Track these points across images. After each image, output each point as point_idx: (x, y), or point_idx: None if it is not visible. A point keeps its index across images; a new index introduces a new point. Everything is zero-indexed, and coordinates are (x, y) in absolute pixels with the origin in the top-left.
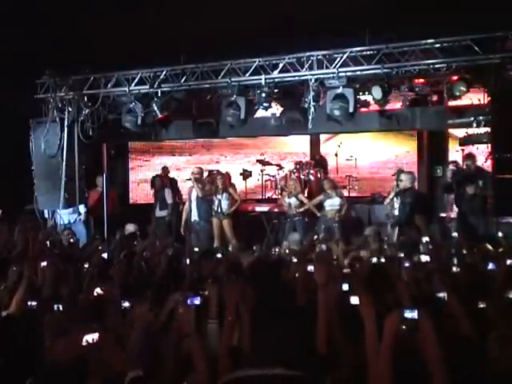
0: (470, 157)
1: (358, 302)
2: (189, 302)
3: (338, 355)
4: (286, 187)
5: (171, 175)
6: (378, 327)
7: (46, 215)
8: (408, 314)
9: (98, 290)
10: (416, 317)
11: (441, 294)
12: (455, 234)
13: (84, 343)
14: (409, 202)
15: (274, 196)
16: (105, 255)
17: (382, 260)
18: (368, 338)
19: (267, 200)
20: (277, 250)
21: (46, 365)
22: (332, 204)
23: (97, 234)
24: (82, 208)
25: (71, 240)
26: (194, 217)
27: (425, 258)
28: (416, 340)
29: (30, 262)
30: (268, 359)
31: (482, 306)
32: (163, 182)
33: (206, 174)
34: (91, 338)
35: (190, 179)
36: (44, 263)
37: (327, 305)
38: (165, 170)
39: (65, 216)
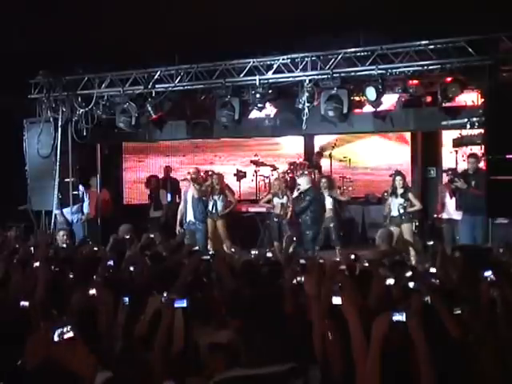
0: (472, 156)
1: (340, 302)
2: (175, 304)
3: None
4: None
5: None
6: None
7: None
8: (396, 317)
9: (92, 292)
10: (404, 319)
11: (425, 298)
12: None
13: (56, 339)
14: (308, 199)
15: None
16: (111, 263)
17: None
18: (353, 338)
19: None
20: (255, 252)
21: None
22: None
23: (89, 236)
24: (86, 207)
25: (67, 242)
26: (190, 217)
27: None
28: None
29: (19, 263)
30: (259, 359)
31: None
32: (158, 182)
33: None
34: (64, 333)
35: (186, 179)
36: (36, 264)
37: (321, 316)
38: (167, 169)
39: (67, 215)
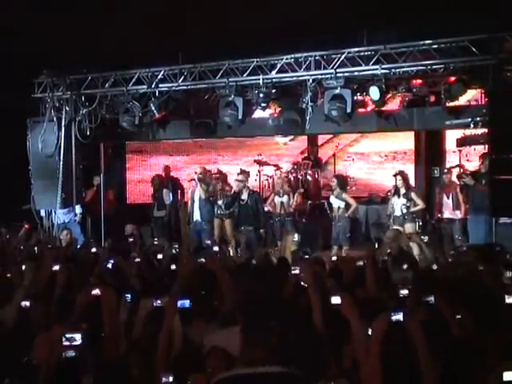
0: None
1: (339, 302)
2: (179, 304)
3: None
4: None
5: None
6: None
7: (43, 214)
8: (394, 317)
9: (95, 291)
10: (401, 319)
11: (428, 298)
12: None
13: (65, 343)
14: (252, 200)
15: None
16: (109, 265)
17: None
18: (355, 338)
19: (265, 200)
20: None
21: (24, 364)
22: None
23: (92, 236)
24: (78, 208)
25: (70, 240)
26: (196, 217)
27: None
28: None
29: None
30: (260, 358)
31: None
32: (162, 181)
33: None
34: (73, 338)
35: (193, 179)
36: (56, 267)
37: (319, 306)
38: (166, 169)
39: (60, 216)
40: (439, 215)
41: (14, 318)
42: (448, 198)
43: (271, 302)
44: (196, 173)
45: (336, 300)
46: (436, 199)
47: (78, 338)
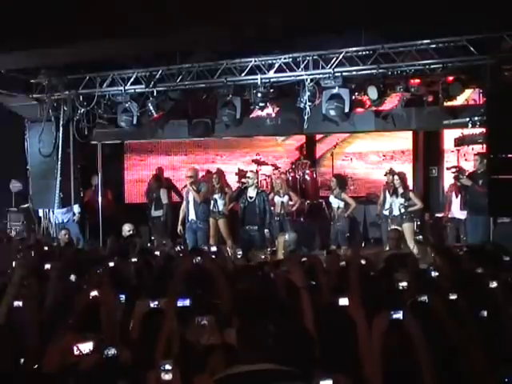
0: (481, 155)
1: (347, 304)
2: (179, 303)
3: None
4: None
5: (166, 175)
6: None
7: (41, 214)
8: (394, 315)
9: (94, 293)
10: (401, 318)
11: (422, 298)
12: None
13: (76, 352)
14: (260, 198)
15: (270, 196)
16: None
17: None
18: (360, 338)
19: None
20: (240, 252)
21: (31, 371)
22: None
23: (91, 236)
24: (76, 208)
25: (68, 240)
26: (192, 216)
27: None
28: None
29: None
30: (259, 356)
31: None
32: (160, 181)
33: (201, 174)
34: (84, 348)
35: (186, 186)
36: (48, 266)
37: (310, 306)
38: (159, 170)
39: (58, 215)
40: (448, 214)
41: (4, 314)
42: (457, 197)
43: (266, 302)
44: (187, 176)
45: (344, 301)
46: (446, 198)
47: (89, 347)
